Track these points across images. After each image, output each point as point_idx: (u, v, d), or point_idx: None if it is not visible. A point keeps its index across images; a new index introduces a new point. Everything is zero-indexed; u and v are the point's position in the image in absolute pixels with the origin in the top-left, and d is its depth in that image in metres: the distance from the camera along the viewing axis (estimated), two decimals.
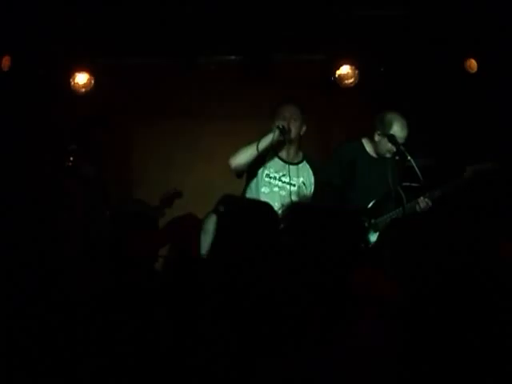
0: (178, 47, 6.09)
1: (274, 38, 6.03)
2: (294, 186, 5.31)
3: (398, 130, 5.21)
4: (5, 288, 3.28)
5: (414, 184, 5.20)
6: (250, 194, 5.28)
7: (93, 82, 6.11)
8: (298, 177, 5.34)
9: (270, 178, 5.32)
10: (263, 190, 5.28)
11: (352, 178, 5.26)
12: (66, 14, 5.77)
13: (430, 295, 2.22)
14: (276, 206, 5.12)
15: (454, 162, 5.56)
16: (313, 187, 5.39)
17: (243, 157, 5.20)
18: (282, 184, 5.32)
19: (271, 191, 5.28)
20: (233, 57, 6.27)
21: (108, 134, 6.29)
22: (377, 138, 5.29)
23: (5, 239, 4.77)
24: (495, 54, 5.94)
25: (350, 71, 6.15)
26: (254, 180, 5.31)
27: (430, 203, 5.17)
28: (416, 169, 5.06)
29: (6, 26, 5.68)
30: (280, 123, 5.15)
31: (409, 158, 5.06)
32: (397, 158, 5.18)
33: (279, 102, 5.34)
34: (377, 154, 5.35)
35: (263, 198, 5.12)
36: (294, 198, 5.26)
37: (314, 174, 5.40)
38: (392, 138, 5.18)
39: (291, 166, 5.32)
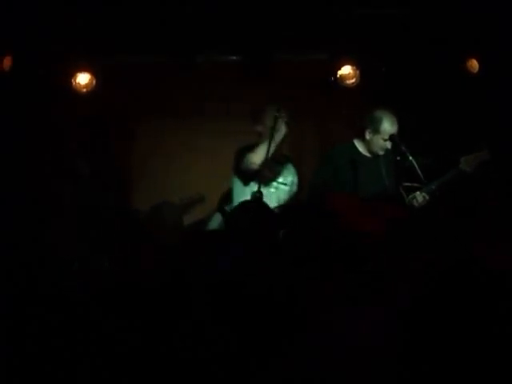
0: (178, 47, 6.09)
1: (274, 37, 6.03)
2: (286, 185, 5.39)
3: (388, 125, 5.24)
4: (5, 288, 3.28)
5: (415, 184, 5.22)
6: (243, 196, 5.28)
7: (94, 82, 6.12)
8: (287, 176, 5.41)
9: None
10: (262, 191, 5.28)
11: (347, 179, 5.28)
12: (66, 14, 5.77)
13: (429, 294, 2.22)
14: (272, 206, 5.19)
15: (451, 158, 5.56)
16: (296, 187, 5.47)
17: (264, 153, 5.19)
18: (276, 184, 5.38)
19: (268, 192, 5.31)
20: (233, 57, 6.27)
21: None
22: (368, 136, 5.32)
23: (5, 239, 4.78)
24: (496, 54, 5.94)
25: (351, 71, 6.16)
26: (250, 182, 5.32)
27: (427, 197, 5.20)
28: (417, 169, 5.07)
29: (6, 26, 5.68)
30: (283, 118, 5.22)
31: (410, 158, 5.07)
32: (398, 158, 5.19)
33: (263, 105, 5.43)
34: (370, 152, 5.37)
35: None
36: (286, 197, 5.34)
37: (297, 173, 5.49)
38: (393, 138, 5.20)
39: (282, 166, 5.39)
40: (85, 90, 6.12)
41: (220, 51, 6.25)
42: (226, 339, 2.54)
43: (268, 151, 5.15)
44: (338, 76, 6.16)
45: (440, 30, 5.93)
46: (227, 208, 5.43)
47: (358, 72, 6.14)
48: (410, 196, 5.21)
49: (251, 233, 3.56)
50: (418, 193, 5.19)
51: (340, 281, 2.58)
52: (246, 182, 5.33)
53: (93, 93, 6.16)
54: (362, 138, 5.36)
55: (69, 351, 2.76)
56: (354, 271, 2.60)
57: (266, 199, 5.13)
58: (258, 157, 5.21)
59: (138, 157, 6.96)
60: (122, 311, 2.89)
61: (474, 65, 6.06)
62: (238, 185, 5.38)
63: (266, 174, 5.32)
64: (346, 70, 6.15)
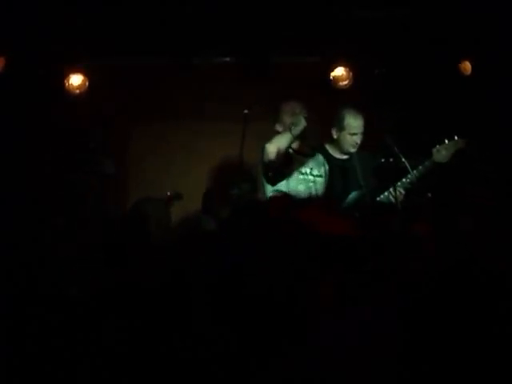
0: (177, 48, 6.09)
1: (273, 38, 6.04)
2: (321, 176, 5.32)
3: (351, 120, 5.24)
4: (5, 288, 3.28)
5: (408, 186, 5.21)
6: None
7: (87, 83, 6.15)
8: (320, 167, 5.36)
9: (303, 174, 5.28)
10: (300, 187, 5.23)
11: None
12: (66, 14, 5.78)
13: (429, 295, 2.23)
14: (313, 199, 5.13)
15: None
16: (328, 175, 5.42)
17: (281, 142, 5.09)
18: (313, 178, 5.31)
19: (308, 187, 5.24)
20: (233, 57, 6.27)
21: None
22: (335, 135, 5.32)
23: (5, 239, 4.78)
24: (491, 55, 5.96)
25: (344, 73, 6.17)
26: (284, 181, 5.23)
27: (402, 192, 5.19)
28: (410, 170, 5.07)
29: (5, 26, 5.69)
30: (303, 114, 5.16)
31: (403, 159, 5.06)
32: (391, 159, 5.18)
33: (282, 100, 5.35)
34: (342, 153, 5.36)
35: (303, 197, 5.12)
36: (324, 187, 5.26)
37: (327, 162, 5.42)
38: (386, 140, 5.19)
39: (312, 159, 5.33)
40: (78, 91, 6.14)
41: (219, 52, 6.26)
42: (226, 339, 2.54)
43: (285, 137, 5.08)
44: (331, 77, 6.16)
45: (437, 30, 5.94)
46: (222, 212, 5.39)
47: (350, 74, 6.15)
48: (386, 192, 5.21)
49: (249, 235, 3.57)
50: (391, 189, 5.18)
51: (340, 281, 2.59)
52: (272, 182, 5.25)
53: (90, 93, 6.18)
54: (331, 140, 5.36)
55: (69, 351, 2.76)
56: (354, 271, 2.61)
57: (305, 194, 5.12)
58: (272, 146, 5.12)
59: (137, 158, 6.96)
60: (122, 311, 2.89)
61: (467, 67, 6.08)
62: (268, 189, 5.30)
63: (294, 167, 5.25)
64: (339, 71, 6.16)
